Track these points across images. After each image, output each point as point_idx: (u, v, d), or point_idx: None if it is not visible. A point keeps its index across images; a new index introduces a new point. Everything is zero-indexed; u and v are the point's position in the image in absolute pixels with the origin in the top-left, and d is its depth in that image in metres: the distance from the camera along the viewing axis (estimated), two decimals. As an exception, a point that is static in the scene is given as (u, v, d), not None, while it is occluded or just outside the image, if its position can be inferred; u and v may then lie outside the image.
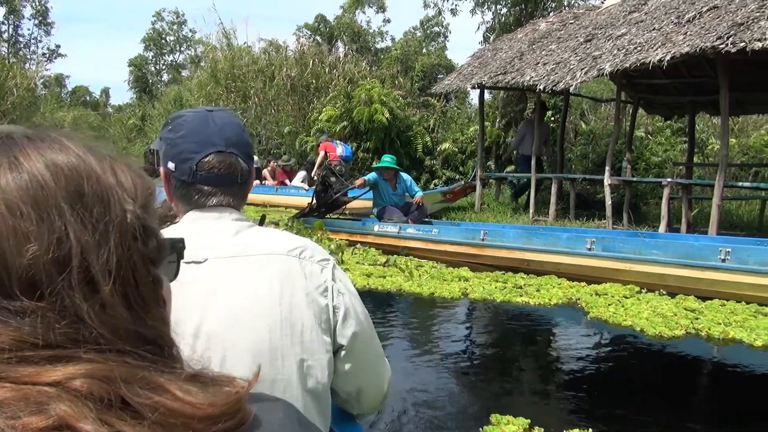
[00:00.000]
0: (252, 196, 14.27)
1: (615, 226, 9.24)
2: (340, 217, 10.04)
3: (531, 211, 10.75)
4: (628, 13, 9.92)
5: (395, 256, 7.31)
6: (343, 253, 7.09)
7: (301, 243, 1.21)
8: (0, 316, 0.47)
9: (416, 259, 7.29)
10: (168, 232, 1.11)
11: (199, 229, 1.17)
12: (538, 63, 9.94)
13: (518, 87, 10.78)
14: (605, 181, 9.44)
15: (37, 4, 33.64)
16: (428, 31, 32.22)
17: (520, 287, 5.93)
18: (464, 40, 71.84)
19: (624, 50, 8.60)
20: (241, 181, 1.24)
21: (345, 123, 15.50)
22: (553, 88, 9.33)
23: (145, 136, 28.38)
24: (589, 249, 6.30)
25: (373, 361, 1.28)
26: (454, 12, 20.56)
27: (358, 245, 7.65)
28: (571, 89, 10.07)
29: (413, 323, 5.25)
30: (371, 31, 30.29)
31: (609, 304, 5.17)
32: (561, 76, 9.11)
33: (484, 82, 10.71)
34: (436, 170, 15.80)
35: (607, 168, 9.48)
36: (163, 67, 43.14)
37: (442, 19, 31.82)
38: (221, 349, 1.06)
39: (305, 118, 18.09)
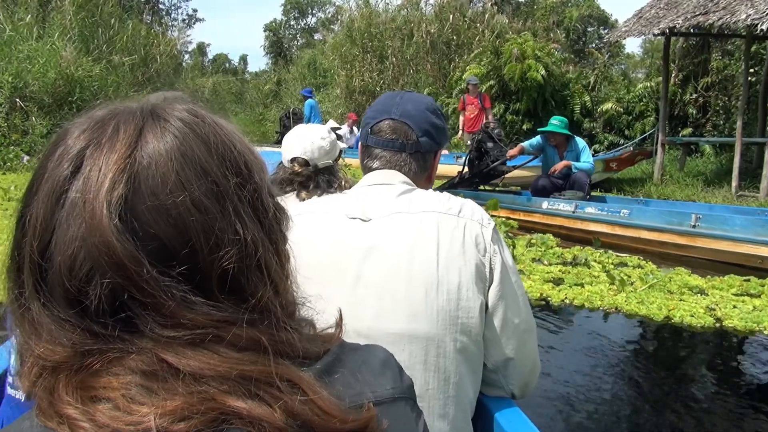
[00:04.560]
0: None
1: None
2: (496, 189, 8.63)
3: (734, 184, 8.68)
4: None
5: (585, 250, 5.67)
6: (515, 247, 5.63)
7: (460, 202, 1.22)
8: (199, 309, 0.50)
9: (612, 253, 5.62)
10: (343, 195, 1.30)
11: (368, 192, 1.25)
12: (756, -3, 7.78)
13: (724, 31, 8.63)
14: None
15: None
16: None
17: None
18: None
19: None
20: (410, 152, 1.30)
21: (492, 82, 13.90)
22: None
23: (280, 101, 28.36)
24: None
25: (522, 329, 1.20)
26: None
27: (535, 235, 6.04)
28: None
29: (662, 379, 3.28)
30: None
31: None
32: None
33: (677, 26, 8.67)
34: (597, 134, 13.81)
35: None
36: (298, 30, 43.18)
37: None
38: (377, 298, 1.09)
39: (446, 78, 16.64)
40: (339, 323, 0.63)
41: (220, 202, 0.53)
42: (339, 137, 2.21)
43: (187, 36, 29.64)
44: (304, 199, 1.97)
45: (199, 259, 0.51)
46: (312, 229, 1.18)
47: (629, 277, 4.61)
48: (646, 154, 11.22)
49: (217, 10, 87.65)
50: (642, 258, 5.41)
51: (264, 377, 0.49)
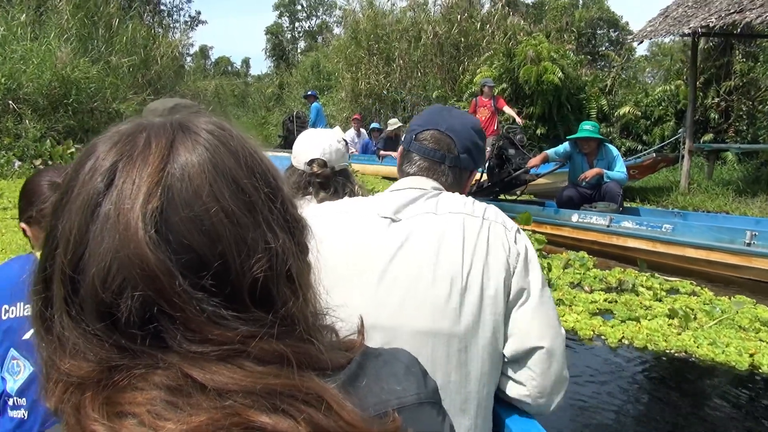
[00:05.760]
0: (388, 169, 12.73)
1: None
2: (517, 199, 8.06)
3: (771, 195, 8.13)
4: None
5: (628, 273, 5.01)
6: (550, 269, 5.01)
7: (484, 206, 1.25)
8: (230, 323, 0.50)
9: (661, 276, 4.99)
10: (376, 197, 1.31)
11: (399, 194, 1.28)
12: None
13: (765, 30, 8.06)
14: None
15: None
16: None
17: None
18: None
19: None
20: (449, 164, 1.35)
21: (505, 85, 13.34)
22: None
23: (283, 105, 27.86)
24: None
25: (546, 322, 1.16)
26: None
27: (571, 255, 5.40)
28: None
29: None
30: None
31: None
32: None
33: (711, 24, 8.11)
34: (614, 139, 13.26)
35: None
36: (299, 34, 42.66)
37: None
38: (403, 295, 1.11)
39: (455, 81, 16.09)
40: (361, 330, 0.64)
41: (251, 213, 0.54)
42: (345, 144, 2.18)
43: (189, 38, 29.16)
44: (322, 200, 1.98)
45: (230, 270, 0.51)
46: (347, 226, 1.21)
47: (692, 310, 4.01)
48: (669, 161, 10.67)
49: (219, 12, 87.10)
50: (694, 282, 4.82)
51: (288, 390, 0.50)
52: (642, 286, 4.63)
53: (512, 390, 1.17)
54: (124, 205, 0.49)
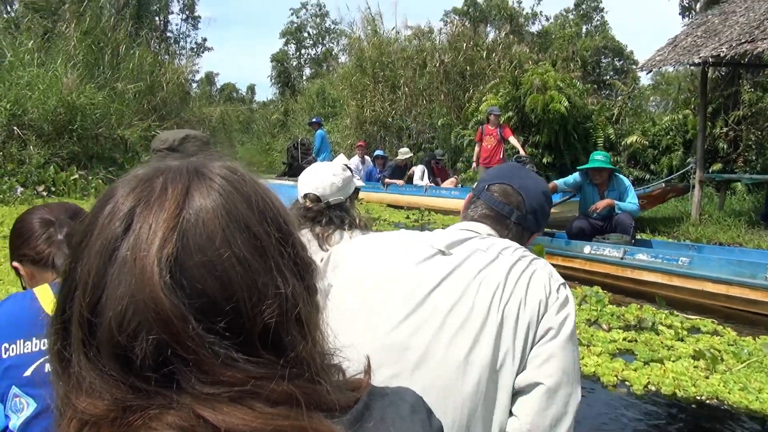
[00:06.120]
0: (392, 197, 12.60)
1: None
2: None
3: (787, 227, 7.95)
4: None
5: (646, 310, 4.81)
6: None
7: (534, 256, 1.27)
8: (240, 365, 0.51)
9: (683, 315, 4.76)
10: (436, 234, 1.32)
11: (455, 232, 1.32)
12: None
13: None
14: None
15: (185, -1, 34.34)
16: (583, 7, 28.73)
17: None
18: (626, 17, 64.67)
19: None
20: (515, 220, 1.39)
21: (511, 113, 13.27)
22: None
23: (287, 131, 27.93)
24: None
25: (560, 366, 1.13)
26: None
27: (587, 291, 5.19)
28: None
29: None
30: (524, 12, 27.50)
31: None
32: None
33: (722, 54, 8.03)
34: (622, 168, 13.11)
35: None
36: (305, 61, 43.00)
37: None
38: (440, 320, 1.13)
39: (460, 109, 16.04)
40: (368, 370, 0.64)
41: (262, 257, 0.54)
42: (350, 171, 2.22)
43: (195, 65, 29.35)
44: (318, 235, 2.03)
45: (242, 314, 0.52)
46: (394, 253, 1.24)
47: (718, 351, 3.82)
48: (678, 191, 10.51)
49: (226, 39, 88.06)
50: (716, 321, 4.62)
51: (297, 431, 0.50)
52: (662, 324, 4.44)
53: (510, 424, 1.14)
54: (140, 250, 0.50)
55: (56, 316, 0.54)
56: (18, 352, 1.34)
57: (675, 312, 4.80)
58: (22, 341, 1.34)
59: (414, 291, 1.16)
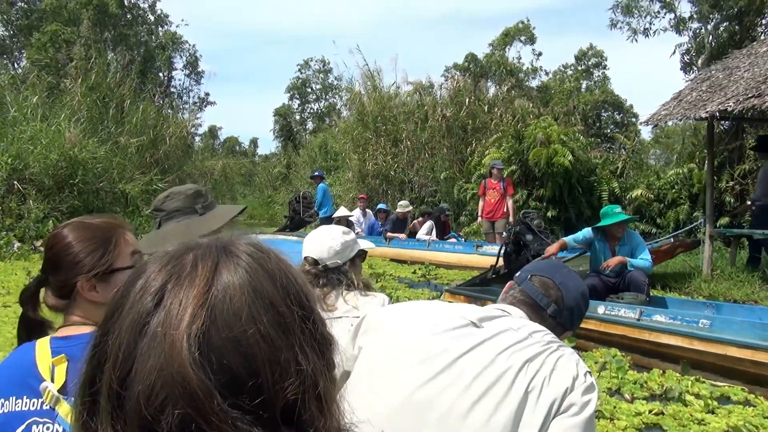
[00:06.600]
0: (395, 251, 12.37)
1: None
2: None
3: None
4: None
5: (670, 376, 4.55)
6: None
7: (556, 338, 1.31)
8: None
9: (708, 382, 4.49)
10: (469, 307, 1.37)
11: (491, 309, 1.38)
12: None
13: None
14: None
15: (189, 55, 35.00)
16: (584, 64, 29.17)
17: None
18: (624, 72, 66.42)
19: None
20: (551, 313, 1.43)
21: (514, 167, 13.20)
22: None
23: (289, 184, 27.94)
24: None
25: None
26: (646, 33, 17.34)
27: (607, 358, 4.91)
28: None
29: None
30: (524, 68, 27.90)
31: None
32: None
33: (729, 109, 7.97)
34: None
35: None
36: (308, 116, 43.52)
37: (601, 50, 28.71)
38: (465, 384, 1.16)
39: (463, 162, 16.01)
40: None
41: (285, 334, 0.55)
42: (350, 224, 1.95)
43: (198, 119, 29.67)
44: (317, 296, 2.05)
45: (264, 391, 0.52)
46: (422, 320, 1.28)
47: (756, 428, 3.53)
48: (687, 245, 10.30)
49: (228, 94, 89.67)
50: (745, 388, 4.34)
51: None
52: (688, 392, 4.15)
53: None
54: (171, 326, 0.51)
55: (84, 388, 0.54)
56: (11, 409, 1.33)
57: (701, 378, 4.52)
58: (14, 398, 1.33)
59: (442, 355, 1.19)
